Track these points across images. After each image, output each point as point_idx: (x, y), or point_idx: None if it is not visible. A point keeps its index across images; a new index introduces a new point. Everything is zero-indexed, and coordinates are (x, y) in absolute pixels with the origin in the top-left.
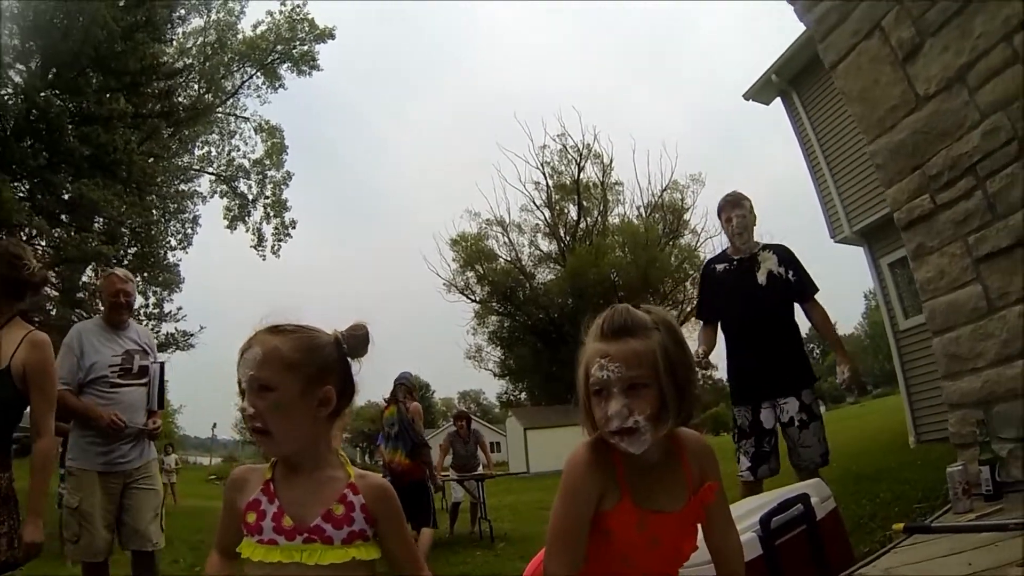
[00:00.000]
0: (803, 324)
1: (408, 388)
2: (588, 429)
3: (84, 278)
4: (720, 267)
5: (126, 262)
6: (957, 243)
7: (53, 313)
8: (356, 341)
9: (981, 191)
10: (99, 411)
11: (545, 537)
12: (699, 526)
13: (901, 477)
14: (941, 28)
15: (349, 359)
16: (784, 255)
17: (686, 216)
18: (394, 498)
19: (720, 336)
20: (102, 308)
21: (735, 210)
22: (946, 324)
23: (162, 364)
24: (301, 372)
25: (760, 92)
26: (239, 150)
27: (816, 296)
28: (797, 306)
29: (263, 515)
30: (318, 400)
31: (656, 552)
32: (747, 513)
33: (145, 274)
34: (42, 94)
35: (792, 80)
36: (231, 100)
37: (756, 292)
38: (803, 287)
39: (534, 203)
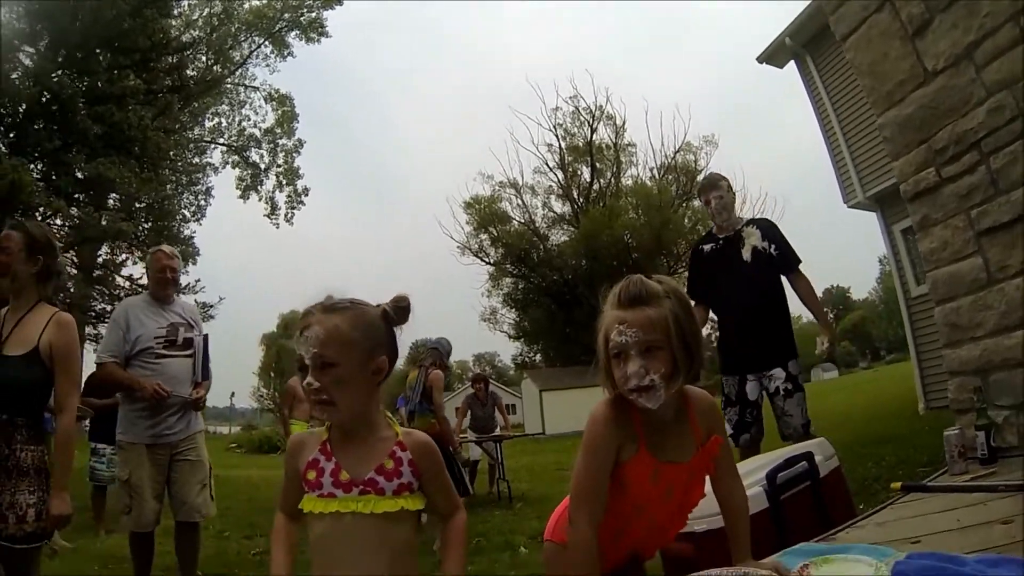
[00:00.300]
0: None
1: (440, 354)
2: (608, 389)
3: (102, 257)
4: (707, 247)
5: (142, 238)
6: (960, 216)
7: (72, 291)
8: (400, 312)
9: (984, 167)
10: (143, 381)
11: (562, 496)
12: (707, 477)
13: (908, 442)
14: (950, 5)
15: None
16: (767, 229)
17: (699, 178)
18: (436, 452)
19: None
20: (148, 284)
21: (713, 191)
22: (948, 294)
23: (206, 336)
24: (359, 347)
25: (774, 55)
26: (249, 120)
27: (800, 267)
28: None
29: (322, 472)
30: (372, 370)
31: (668, 504)
32: (755, 469)
33: (162, 243)
34: (54, 76)
35: (806, 44)
36: (240, 70)
37: (742, 269)
38: (786, 260)
39: (547, 165)
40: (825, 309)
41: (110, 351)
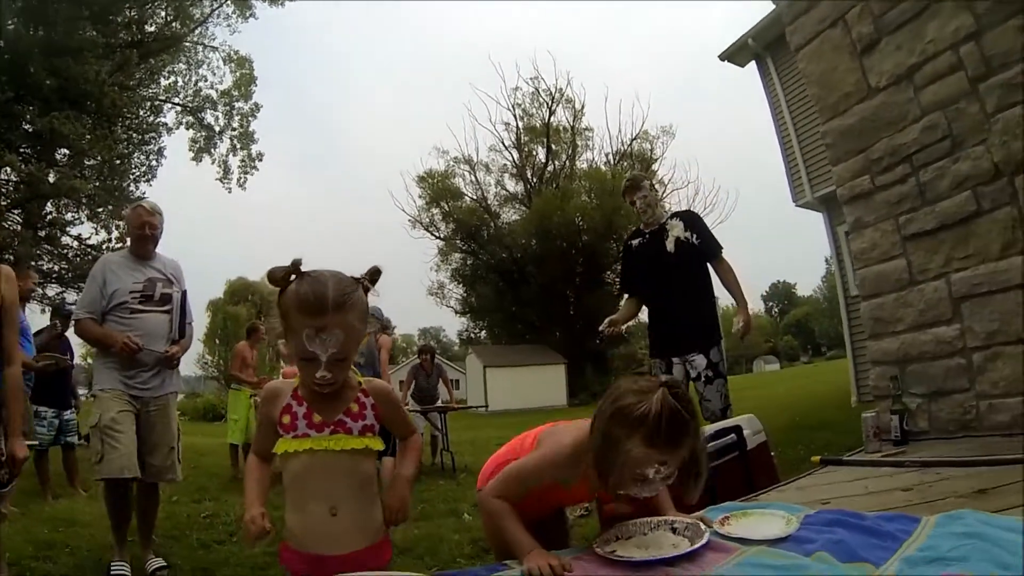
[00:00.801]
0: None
1: (380, 321)
2: (596, 467)
3: (50, 215)
4: (636, 242)
5: (92, 196)
6: (889, 221)
7: (18, 249)
8: (374, 284)
9: (915, 178)
10: (114, 334)
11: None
12: None
13: (838, 429)
14: (897, 29)
15: None
16: (689, 220)
17: (654, 167)
18: (395, 397)
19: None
20: (129, 241)
21: (637, 192)
22: (874, 291)
23: (184, 292)
24: (362, 334)
25: (736, 54)
26: (206, 80)
27: (723, 254)
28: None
29: (295, 416)
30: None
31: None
32: None
33: (110, 207)
34: (9, 23)
35: (768, 46)
36: (199, 28)
37: (667, 259)
38: (708, 247)
39: (503, 144)
40: (771, 304)
41: (86, 308)
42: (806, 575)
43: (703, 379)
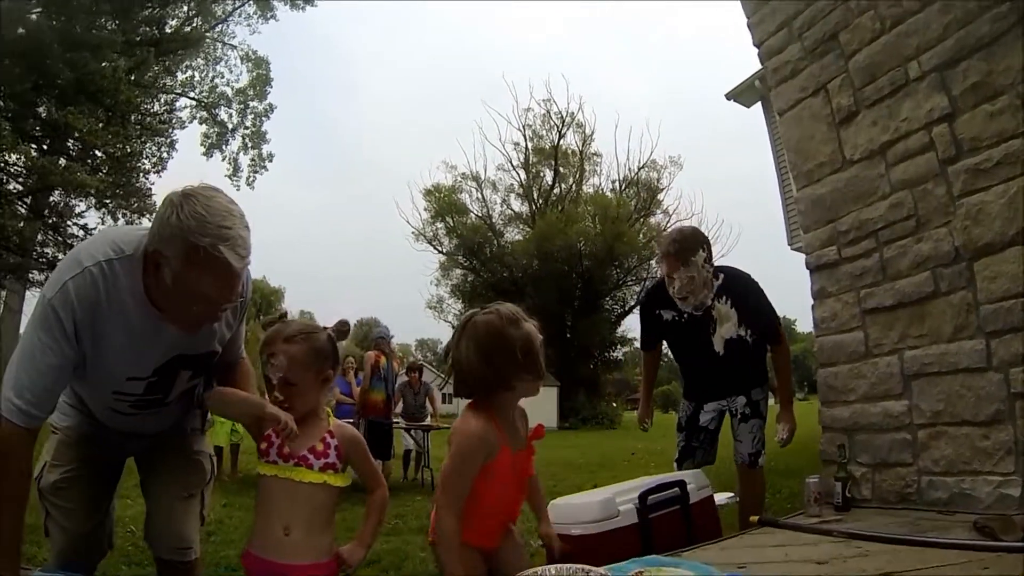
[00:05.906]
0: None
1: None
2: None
3: (60, 204)
4: (667, 316)
5: (101, 188)
6: (851, 293)
7: (24, 234)
8: (341, 335)
9: (878, 254)
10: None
11: None
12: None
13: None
14: (875, 104)
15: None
16: (743, 305)
17: (660, 196)
18: (361, 442)
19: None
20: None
21: (681, 270)
22: (831, 359)
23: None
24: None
25: (743, 94)
26: (223, 77)
27: (780, 331)
28: None
29: (272, 444)
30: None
31: (518, 486)
32: (633, 488)
33: (119, 198)
34: (32, 14)
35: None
36: (220, 26)
37: (714, 357)
38: (765, 339)
39: (511, 163)
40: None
41: (26, 397)
42: None
43: (739, 416)
